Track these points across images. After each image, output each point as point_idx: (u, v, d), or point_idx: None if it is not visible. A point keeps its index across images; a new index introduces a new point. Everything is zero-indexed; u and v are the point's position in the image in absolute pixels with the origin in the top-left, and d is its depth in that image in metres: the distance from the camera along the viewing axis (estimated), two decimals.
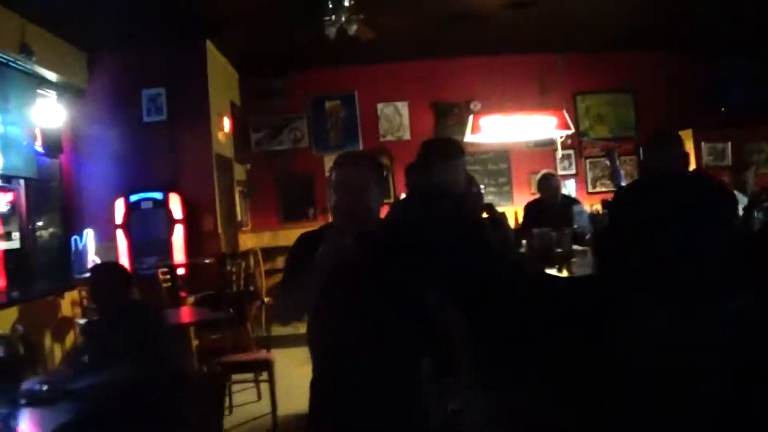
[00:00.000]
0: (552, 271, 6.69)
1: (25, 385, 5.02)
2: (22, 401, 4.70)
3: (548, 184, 9.94)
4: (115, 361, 5.14)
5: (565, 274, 6.66)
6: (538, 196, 10.43)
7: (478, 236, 5.59)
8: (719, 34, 14.83)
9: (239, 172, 15.19)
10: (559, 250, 7.10)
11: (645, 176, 5.83)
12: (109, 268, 6.69)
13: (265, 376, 8.61)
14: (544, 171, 11.64)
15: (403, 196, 10.16)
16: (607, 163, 13.44)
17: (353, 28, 10.55)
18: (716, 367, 4.70)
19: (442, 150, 5.56)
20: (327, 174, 4.23)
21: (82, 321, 9.13)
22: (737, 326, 4.72)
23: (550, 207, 9.55)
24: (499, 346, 4.98)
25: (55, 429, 4.47)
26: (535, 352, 5.21)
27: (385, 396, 3.83)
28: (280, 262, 15.09)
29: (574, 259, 7.00)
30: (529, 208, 10.14)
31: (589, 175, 16.83)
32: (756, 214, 6.98)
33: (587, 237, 7.73)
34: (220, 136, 13.67)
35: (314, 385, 4.06)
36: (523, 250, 7.99)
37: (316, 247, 3.80)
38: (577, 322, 5.35)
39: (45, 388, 5.06)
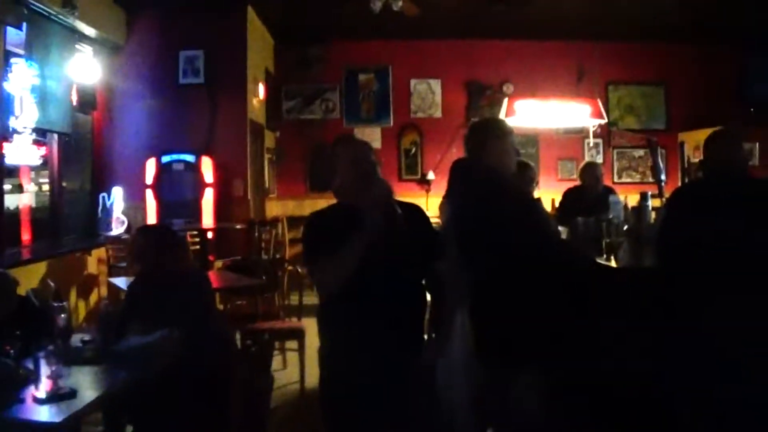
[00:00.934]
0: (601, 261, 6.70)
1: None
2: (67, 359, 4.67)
3: (593, 174, 9.88)
4: (162, 325, 5.12)
5: (613, 264, 6.66)
6: (578, 183, 10.35)
7: (537, 212, 5.67)
8: (751, 31, 14.82)
9: (269, 139, 15.20)
10: (608, 240, 7.07)
11: (710, 174, 5.80)
12: (158, 230, 6.69)
13: (290, 344, 8.60)
14: (587, 160, 11.60)
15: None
16: (649, 158, 13.42)
17: (398, 4, 10.51)
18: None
19: (494, 129, 5.60)
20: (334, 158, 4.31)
21: (115, 280, 9.09)
22: None
23: (589, 196, 9.50)
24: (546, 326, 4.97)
25: (108, 390, 4.47)
26: (583, 338, 5.18)
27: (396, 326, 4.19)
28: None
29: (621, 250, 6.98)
30: (568, 196, 10.08)
31: (616, 165, 16.80)
32: None
33: (625, 227, 7.70)
34: (255, 102, 13.67)
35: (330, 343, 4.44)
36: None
37: (339, 224, 4.06)
38: (630, 313, 5.31)
39: (90, 347, 5.05)
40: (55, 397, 4.06)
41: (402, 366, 4.18)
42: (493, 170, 5.44)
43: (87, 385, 4.45)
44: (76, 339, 5.27)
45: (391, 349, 4.16)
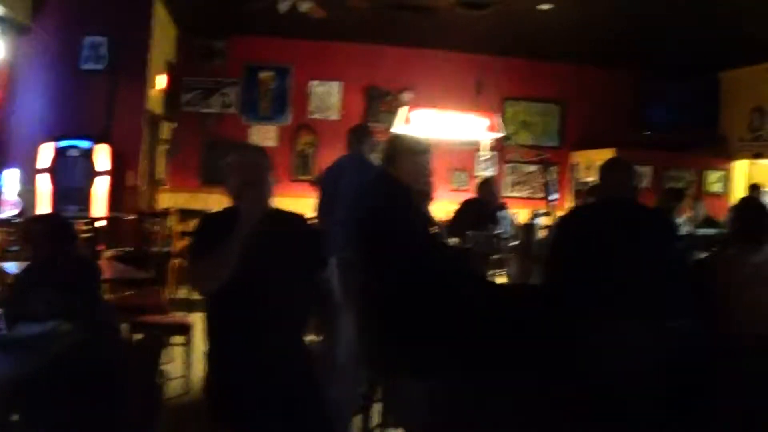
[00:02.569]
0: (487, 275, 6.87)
1: None
2: None
3: (490, 190, 10.06)
4: (50, 314, 5.12)
5: (502, 279, 6.82)
6: (474, 196, 10.51)
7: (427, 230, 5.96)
8: (647, 56, 15.15)
9: (165, 130, 15.10)
10: (497, 255, 7.22)
11: (599, 199, 6.01)
12: (53, 220, 6.66)
13: (176, 339, 8.61)
14: (486, 175, 11.77)
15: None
16: (540, 173, 13.68)
17: (305, 6, 10.57)
18: (649, 385, 4.89)
19: (410, 145, 5.84)
20: (225, 161, 4.49)
21: (9, 264, 8.96)
22: (674, 347, 4.93)
23: (484, 210, 9.66)
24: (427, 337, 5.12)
25: (3, 379, 4.47)
26: (462, 350, 5.32)
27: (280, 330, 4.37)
28: (193, 224, 15.03)
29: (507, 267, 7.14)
30: (464, 208, 10.23)
31: (509, 179, 17.01)
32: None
33: (513, 243, 7.84)
34: (154, 92, 13.60)
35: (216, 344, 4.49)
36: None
37: (225, 227, 4.18)
38: (509, 329, 5.49)
39: None
40: None
41: (278, 370, 4.28)
42: (394, 183, 5.59)
43: None
44: None
45: (265, 353, 4.29)
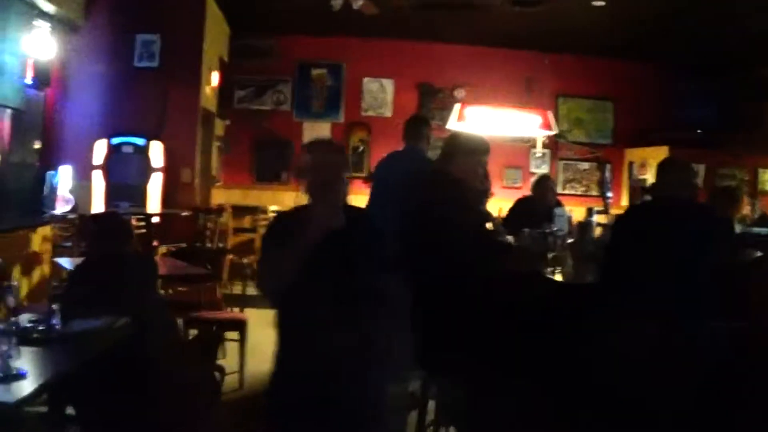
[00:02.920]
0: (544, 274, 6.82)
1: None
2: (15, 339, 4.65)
3: (545, 187, 9.98)
4: (106, 309, 5.14)
5: (558, 278, 6.77)
6: (528, 194, 10.45)
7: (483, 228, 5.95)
8: (700, 53, 15.06)
9: (219, 127, 15.17)
10: (554, 253, 7.17)
11: (657, 198, 5.95)
12: (109, 218, 6.70)
13: (230, 335, 8.61)
14: (542, 173, 11.73)
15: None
16: (594, 171, 13.62)
17: (358, 3, 10.56)
18: (686, 384, 4.87)
19: (469, 144, 5.83)
20: (300, 162, 4.39)
21: (60, 260, 9.05)
22: (711, 349, 4.91)
23: (539, 208, 9.58)
24: (480, 336, 5.08)
25: (58, 372, 4.49)
26: (514, 348, 5.30)
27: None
28: (247, 221, 15.15)
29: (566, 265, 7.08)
30: (518, 206, 10.17)
31: (562, 176, 16.93)
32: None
33: (569, 241, 7.78)
34: (208, 89, 13.66)
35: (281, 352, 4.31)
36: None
37: (297, 226, 4.07)
38: (562, 326, 5.47)
39: (40, 328, 5.05)
40: (7, 378, 4.08)
41: (341, 378, 4.20)
42: (451, 181, 5.57)
43: (36, 365, 4.46)
44: (23, 319, 5.27)
45: (328, 359, 4.16)
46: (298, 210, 4.39)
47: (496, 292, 5.17)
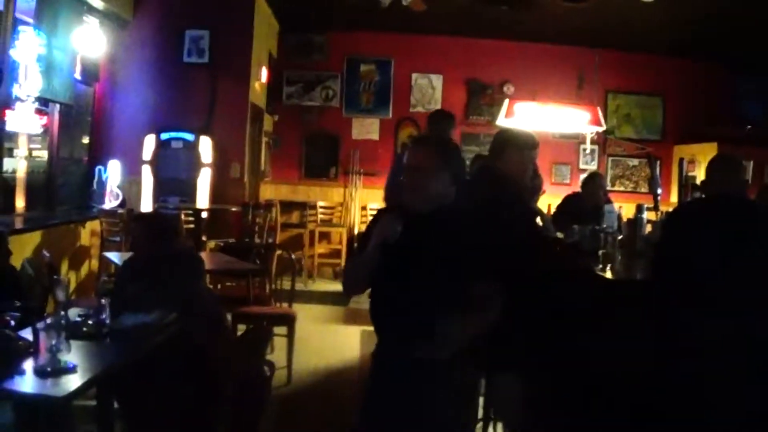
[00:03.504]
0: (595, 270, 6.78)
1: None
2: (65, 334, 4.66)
3: (596, 184, 9.93)
4: (155, 305, 5.16)
5: (608, 275, 6.72)
6: (576, 191, 10.40)
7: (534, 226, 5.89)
8: (741, 52, 14.94)
9: (268, 122, 15.21)
10: (605, 250, 7.12)
11: (708, 195, 5.89)
12: (153, 219, 6.74)
13: (279, 330, 8.61)
14: (591, 170, 11.68)
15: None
16: (643, 167, 13.53)
17: (407, 0, 10.55)
18: (748, 387, 4.79)
19: (519, 140, 5.79)
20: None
21: (109, 254, 9.10)
22: None
23: (587, 205, 9.54)
24: (537, 334, 5.06)
25: (107, 367, 4.50)
26: (566, 345, 5.26)
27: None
28: (295, 216, 15.23)
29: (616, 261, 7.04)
30: (567, 203, 10.13)
31: (610, 173, 16.83)
32: None
33: (619, 238, 7.72)
34: (257, 85, 13.70)
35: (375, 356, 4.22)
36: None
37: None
38: (614, 325, 5.41)
39: (89, 322, 5.07)
40: (56, 371, 4.09)
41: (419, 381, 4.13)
42: (501, 177, 5.55)
43: (85, 360, 4.48)
44: (73, 313, 5.29)
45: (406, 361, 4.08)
46: (391, 209, 4.35)
47: (547, 289, 5.14)
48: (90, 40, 11.11)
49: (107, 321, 5.05)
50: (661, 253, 5.78)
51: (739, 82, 16.35)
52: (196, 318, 5.29)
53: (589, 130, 13.97)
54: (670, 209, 7.02)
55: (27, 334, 4.50)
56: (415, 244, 4.01)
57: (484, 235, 4.71)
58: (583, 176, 10.58)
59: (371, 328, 4.21)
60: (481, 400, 5.85)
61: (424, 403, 4.07)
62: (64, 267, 10.21)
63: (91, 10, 11.28)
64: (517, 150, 5.64)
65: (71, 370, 4.14)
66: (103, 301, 5.17)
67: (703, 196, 6.26)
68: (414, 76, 16.39)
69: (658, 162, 10.93)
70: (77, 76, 11.11)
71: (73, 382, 4.03)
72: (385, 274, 3.99)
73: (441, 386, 4.11)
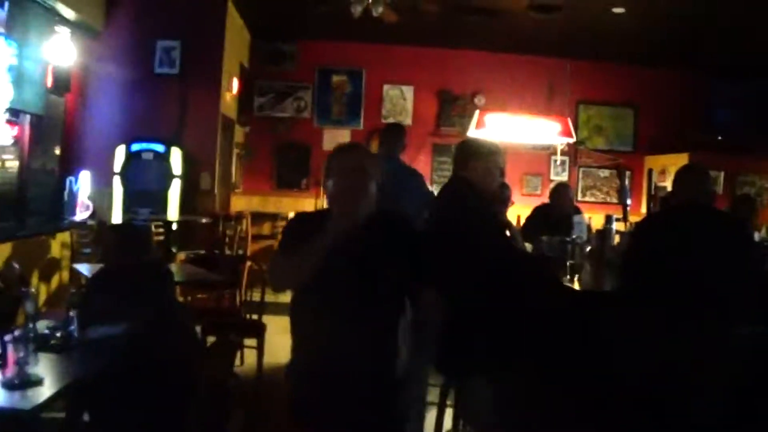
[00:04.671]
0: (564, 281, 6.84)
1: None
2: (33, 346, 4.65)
3: (561, 194, 10.00)
4: (124, 317, 5.15)
5: (576, 285, 6.78)
6: (545, 202, 10.46)
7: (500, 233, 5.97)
8: (718, 58, 15.08)
9: (239, 134, 15.19)
10: (572, 261, 7.17)
11: (676, 205, 5.93)
12: (125, 230, 6.73)
13: (249, 342, 8.61)
14: (559, 181, 11.76)
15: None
16: (614, 178, 13.64)
17: (379, 10, 10.57)
18: (718, 388, 4.86)
19: (479, 148, 5.84)
20: (326, 166, 4.35)
21: (79, 266, 9.07)
22: (745, 352, 4.90)
23: (557, 216, 9.61)
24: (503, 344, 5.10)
25: (75, 379, 4.49)
26: (538, 355, 5.31)
27: (368, 335, 4.16)
28: (267, 228, 15.23)
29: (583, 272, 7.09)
30: (536, 213, 10.20)
31: (581, 183, 16.92)
32: None
33: (588, 249, 7.76)
34: (228, 96, 13.70)
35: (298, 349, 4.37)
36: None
37: (313, 229, 4.04)
38: (586, 333, 5.47)
39: (57, 335, 5.06)
40: (23, 384, 4.09)
41: (360, 374, 4.19)
42: (467, 188, 5.58)
43: (53, 372, 4.47)
44: (41, 325, 5.28)
45: (343, 361, 4.17)
46: (319, 213, 4.41)
47: (515, 299, 5.17)
48: (61, 51, 11.06)
49: (75, 333, 5.05)
50: (629, 263, 5.86)
51: (715, 89, 16.43)
52: (165, 329, 5.28)
53: (560, 141, 14.05)
54: (639, 220, 7.10)
55: None
56: (364, 245, 4.12)
57: (445, 242, 4.75)
58: (550, 187, 10.64)
59: None
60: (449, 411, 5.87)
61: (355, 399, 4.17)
62: (35, 279, 10.17)
63: (63, 20, 11.24)
64: (481, 158, 5.69)
65: (38, 382, 4.13)
66: (71, 313, 5.17)
67: (670, 206, 6.33)
68: (385, 87, 16.47)
69: (628, 173, 11.00)
70: (48, 86, 11.07)
71: (41, 394, 4.03)
72: (334, 273, 4.02)
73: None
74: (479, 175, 5.69)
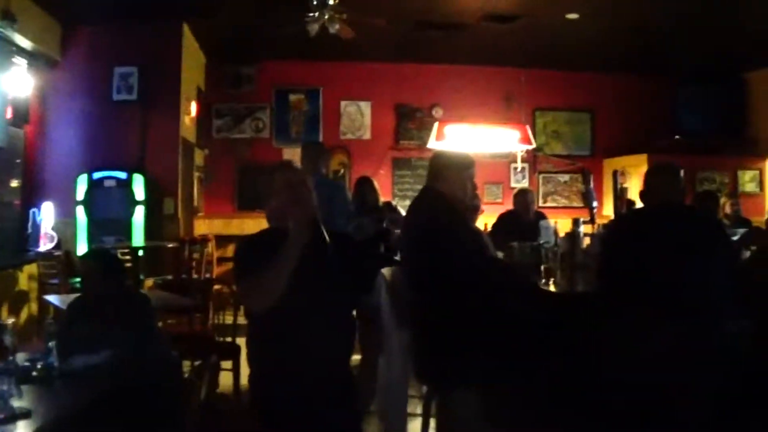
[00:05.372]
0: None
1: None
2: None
3: (525, 200, 10.11)
4: (105, 346, 5.15)
5: (552, 288, 6.83)
6: (511, 208, 10.55)
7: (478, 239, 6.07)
8: (677, 61, 15.25)
9: (198, 157, 15.15)
10: (546, 265, 7.24)
11: (648, 204, 5.98)
12: (103, 254, 6.72)
13: (224, 364, 8.60)
14: (521, 186, 11.84)
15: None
16: (574, 182, 13.76)
17: (335, 27, 10.61)
18: (707, 386, 4.90)
19: (454, 161, 5.93)
20: (272, 182, 4.42)
21: (50, 297, 9.03)
22: (732, 348, 4.95)
23: (522, 221, 9.71)
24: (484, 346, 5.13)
25: (61, 410, 4.48)
26: (521, 359, 5.33)
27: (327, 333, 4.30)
28: (231, 250, 15.12)
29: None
30: (502, 220, 10.29)
31: (542, 189, 17.02)
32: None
33: (559, 253, 7.82)
34: (187, 120, 13.67)
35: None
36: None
37: (270, 247, 4.15)
38: (565, 335, 5.51)
39: (38, 366, 5.04)
40: (10, 418, 4.07)
41: (319, 393, 4.26)
42: (441, 199, 5.63)
43: (38, 404, 4.46)
44: (20, 358, 5.25)
45: (316, 369, 4.26)
46: (267, 232, 4.46)
47: (497, 306, 5.21)
48: (19, 81, 11.04)
49: (56, 364, 5.04)
50: (608, 264, 5.89)
51: (676, 92, 16.56)
52: (147, 357, 5.29)
53: (519, 149, 14.12)
54: (606, 222, 7.13)
55: None
56: (321, 253, 4.17)
57: (423, 253, 4.80)
58: (513, 193, 10.73)
59: None
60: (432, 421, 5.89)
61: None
62: (4, 312, 10.13)
63: (20, 50, 11.21)
64: (455, 171, 5.76)
65: (27, 415, 4.12)
66: (50, 344, 5.15)
67: (642, 206, 6.37)
68: (343, 103, 16.45)
69: (591, 176, 11.07)
70: (7, 118, 11.02)
71: (28, 427, 4.01)
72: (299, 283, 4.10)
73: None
74: (453, 186, 5.77)
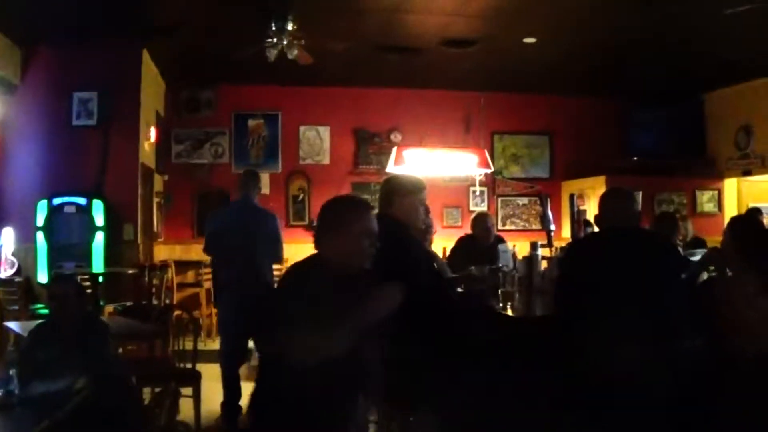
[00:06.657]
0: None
1: None
2: None
3: (484, 224, 10.13)
4: (66, 372, 5.16)
5: (509, 312, 6.88)
6: (469, 232, 10.58)
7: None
8: (633, 84, 15.42)
9: (158, 182, 15.10)
10: (504, 289, 7.27)
11: (603, 228, 6.05)
12: (67, 280, 6.73)
13: (184, 391, 8.58)
14: (480, 210, 11.86)
15: None
16: (533, 205, 13.84)
17: (293, 53, 10.66)
18: (663, 399, 4.97)
19: (405, 185, 5.96)
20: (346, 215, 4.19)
21: (12, 324, 8.98)
22: (686, 364, 5.02)
23: (480, 245, 9.75)
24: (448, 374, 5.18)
25: None
26: (485, 382, 5.39)
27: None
28: (191, 276, 15.16)
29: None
30: (461, 244, 10.32)
31: (501, 212, 17.10)
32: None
33: (517, 276, 7.85)
34: (146, 145, 13.62)
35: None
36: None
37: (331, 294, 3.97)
38: (525, 357, 5.57)
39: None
40: None
41: None
42: (395, 224, 5.65)
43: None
44: None
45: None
46: (323, 274, 4.21)
47: (454, 330, 5.26)
48: None
49: (16, 391, 5.05)
50: (564, 287, 5.96)
51: (634, 114, 16.73)
52: (106, 382, 5.30)
53: (478, 172, 14.18)
54: (564, 245, 7.21)
55: None
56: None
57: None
58: (472, 217, 10.77)
59: None
60: None
61: None
62: None
63: None
64: (406, 195, 5.80)
65: None
66: (11, 371, 5.16)
67: (596, 230, 6.43)
68: (302, 128, 16.47)
69: (549, 199, 11.14)
70: None
71: None
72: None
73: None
74: (405, 212, 5.80)
